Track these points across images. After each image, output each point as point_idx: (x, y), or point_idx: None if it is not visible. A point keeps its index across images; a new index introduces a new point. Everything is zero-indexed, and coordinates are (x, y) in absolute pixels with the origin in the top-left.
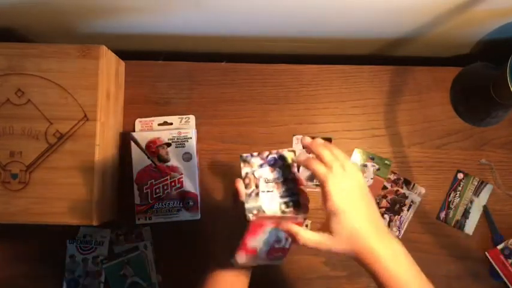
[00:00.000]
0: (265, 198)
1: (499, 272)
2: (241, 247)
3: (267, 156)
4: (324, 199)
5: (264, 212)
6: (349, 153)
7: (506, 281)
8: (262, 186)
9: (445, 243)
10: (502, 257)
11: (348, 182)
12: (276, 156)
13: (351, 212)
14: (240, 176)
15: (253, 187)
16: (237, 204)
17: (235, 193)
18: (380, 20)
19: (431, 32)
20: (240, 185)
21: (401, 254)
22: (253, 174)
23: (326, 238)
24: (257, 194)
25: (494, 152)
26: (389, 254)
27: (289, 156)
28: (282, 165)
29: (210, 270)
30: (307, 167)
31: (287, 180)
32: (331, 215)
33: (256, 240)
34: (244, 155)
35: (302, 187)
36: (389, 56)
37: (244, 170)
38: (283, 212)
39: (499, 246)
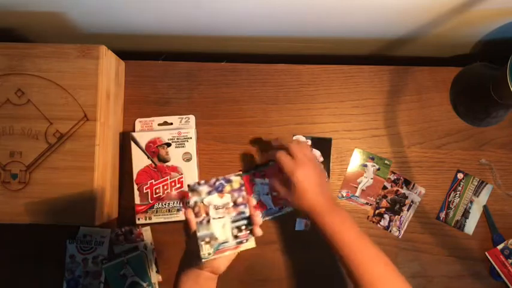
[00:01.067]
0: (216, 224)
1: (499, 272)
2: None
3: (214, 182)
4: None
5: (216, 238)
6: (349, 153)
7: (506, 281)
8: (213, 213)
9: (445, 243)
10: (502, 257)
11: (309, 168)
12: (223, 181)
13: (309, 187)
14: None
15: (204, 215)
16: (189, 234)
17: (187, 223)
18: (380, 20)
19: (431, 32)
20: (189, 215)
21: (347, 217)
22: (202, 202)
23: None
24: (208, 221)
25: (494, 152)
26: (335, 215)
27: (236, 180)
28: (230, 190)
29: (183, 273)
30: (277, 159)
31: (237, 203)
32: (294, 186)
33: (254, 195)
34: (191, 184)
35: (252, 208)
36: (390, 56)
37: (193, 199)
38: (236, 236)
39: (499, 246)
